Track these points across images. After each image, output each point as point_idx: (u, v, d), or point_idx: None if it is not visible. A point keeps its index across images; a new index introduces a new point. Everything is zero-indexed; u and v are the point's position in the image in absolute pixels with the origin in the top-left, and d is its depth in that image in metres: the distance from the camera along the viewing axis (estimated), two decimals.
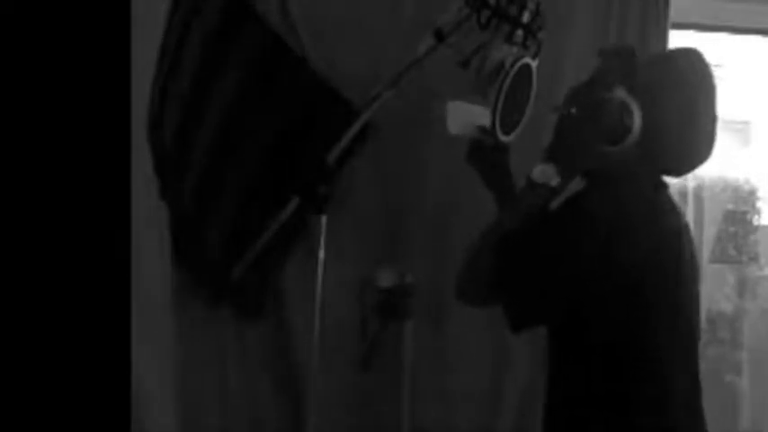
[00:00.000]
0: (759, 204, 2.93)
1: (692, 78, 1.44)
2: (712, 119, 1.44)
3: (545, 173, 1.46)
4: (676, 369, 1.41)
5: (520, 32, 1.50)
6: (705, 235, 2.81)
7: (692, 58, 1.47)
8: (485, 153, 1.57)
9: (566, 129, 1.49)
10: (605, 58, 1.48)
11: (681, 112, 1.41)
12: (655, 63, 1.49)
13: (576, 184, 1.49)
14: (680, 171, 1.54)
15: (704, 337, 2.49)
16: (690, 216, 2.71)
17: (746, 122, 3.06)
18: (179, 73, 1.94)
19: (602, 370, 1.38)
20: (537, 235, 1.41)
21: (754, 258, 2.88)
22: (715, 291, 2.77)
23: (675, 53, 1.70)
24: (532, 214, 1.45)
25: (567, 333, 1.43)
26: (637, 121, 1.38)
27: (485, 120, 1.48)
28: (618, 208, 1.38)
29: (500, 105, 1.46)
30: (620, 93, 1.39)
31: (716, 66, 2.79)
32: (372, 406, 2.03)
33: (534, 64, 1.53)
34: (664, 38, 2.24)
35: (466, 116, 1.53)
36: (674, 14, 2.25)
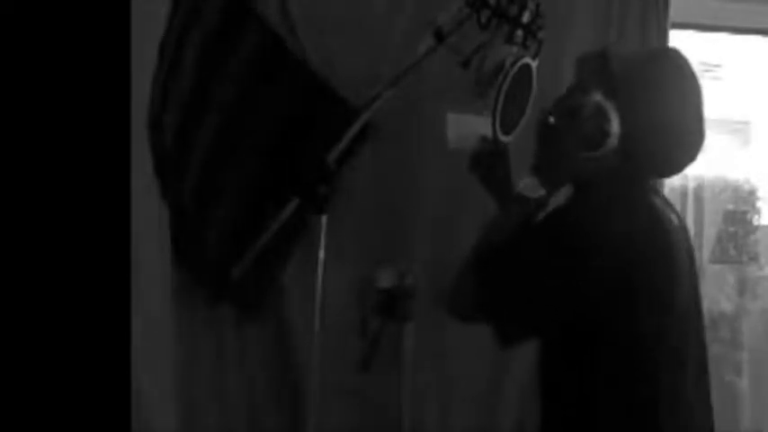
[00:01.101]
0: (759, 204, 2.93)
1: (676, 77, 1.42)
2: (698, 117, 1.41)
3: (528, 186, 1.46)
4: (675, 370, 1.41)
5: (520, 32, 1.50)
6: (705, 235, 2.81)
7: (674, 58, 1.44)
8: (486, 160, 1.57)
9: (546, 138, 1.48)
10: (580, 64, 1.47)
11: (665, 111, 1.39)
12: (636, 64, 1.45)
13: (563, 194, 1.48)
14: (669, 172, 1.53)
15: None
16: (690, 216, 2.71)
17: (746, 122, 3.06)
18: (179, 73, 1.94)
19: (599, 375, 1.37)
20: (521, 248, 1.39)
21: (754, 258, 2.88)
22: (715, 291, 2.78)
23: (657, 53, 1.68)
24: (516, 227, 1.45)
25: (560, 341, 1.42)
26: (615, 124, 1.36)
27: (485, 129, 1.49)
28: (605, 216, 1.36)
29: (500, 105, 1.46)
30: (597, 97, 1.37)
31: (716, 66, 2.79)
32: (372, 406, 2.03)
33: (534, 64, 1.53)
34: (664, 38, 2.24)
35: (466, 128, 1.53)
36: (674, 14, 2.25)
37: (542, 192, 1.45)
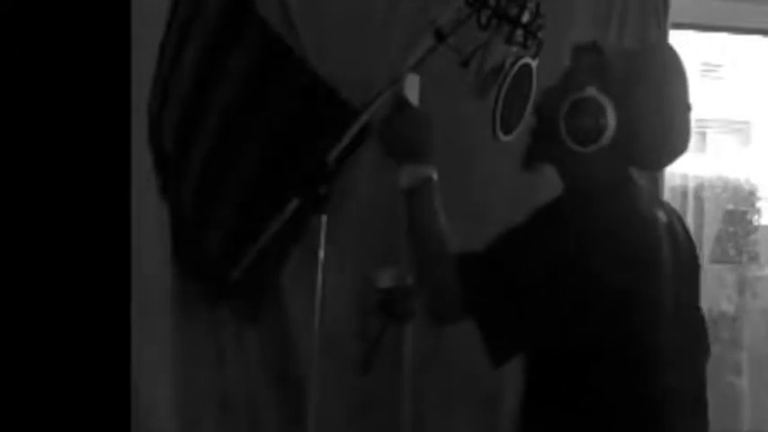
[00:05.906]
0: (759, 204, 2.93)
1: (666, 71, 1.42)
2: (685, 110, 1.42)
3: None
4: (668, 373, 1.40)
5: (520, 32, 1.50)
6: (705, 235, 2.81)
7: (666, 52, 1.45)
8: (397, 122, 1.53)
9: (539, 131, 1.48)
10: (575, 56, 1.47)
11: (655, 105, 1.38)
12: (628, 58, 1.46)
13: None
14: (658, 165, 1.54)
15: None
16: (690, 216, 2.71)
17: (746, 122, 3.06)
18: (179, 73, 1.94)
19: (585, 381, 1.37)
20: (506, 254, 1.36)
21: (754, 258, 2.88)
22: (715, 291, 2.78)
23: (650, 47, 1.71)
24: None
25: (550, 356, 1.42)
26: (611, 118, 1.36)
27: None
28: (592, 219, 1.35)
29: (500, 105, 1.46)
30: (592, 91, 1.38)
31: (716, 66, 2.79)
32: (372, 407, 2.03)
33: (534, 64, 1.53)
34: (664, 38, 2.24)
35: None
36: (673, 14, 2.26)
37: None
